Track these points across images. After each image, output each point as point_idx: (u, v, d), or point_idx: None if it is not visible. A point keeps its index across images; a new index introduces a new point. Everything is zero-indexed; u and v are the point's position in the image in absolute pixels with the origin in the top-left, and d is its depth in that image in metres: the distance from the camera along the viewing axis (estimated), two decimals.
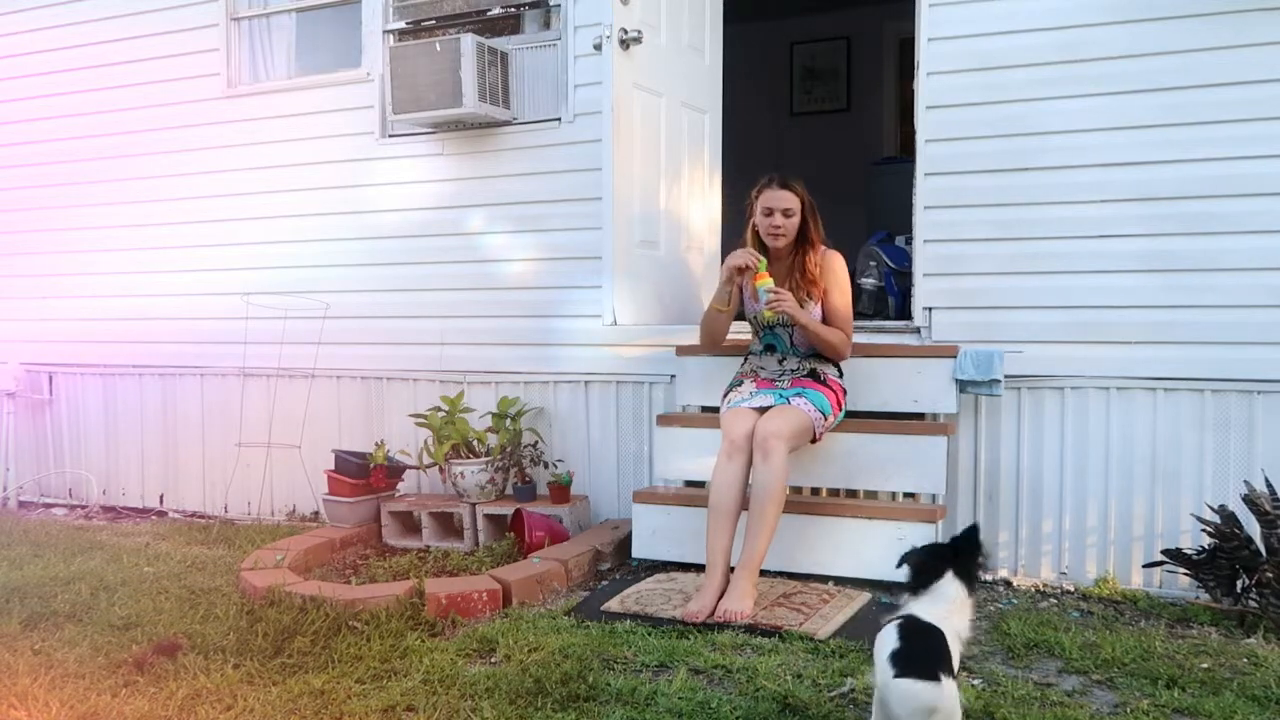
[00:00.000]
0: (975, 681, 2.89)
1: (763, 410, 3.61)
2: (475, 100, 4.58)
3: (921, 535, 3.63)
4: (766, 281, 3.60)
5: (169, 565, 4.29)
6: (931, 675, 2.14)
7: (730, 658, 3.02)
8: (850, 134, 7.40)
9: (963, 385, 3.89)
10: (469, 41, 4.56)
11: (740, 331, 4.00)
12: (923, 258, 4.10)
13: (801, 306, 3.67)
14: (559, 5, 4.73)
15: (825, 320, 3.75)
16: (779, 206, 3.69)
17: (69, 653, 3.18)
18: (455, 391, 4.76)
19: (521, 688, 2.79)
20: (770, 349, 3.86)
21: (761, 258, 3.68)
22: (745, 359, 3.95)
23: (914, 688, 2.13)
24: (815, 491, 4.02)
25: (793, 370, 3.78)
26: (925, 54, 4.06)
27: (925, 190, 4.08)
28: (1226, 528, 3.36)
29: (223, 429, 5.50)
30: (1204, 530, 3.44)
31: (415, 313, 5.06)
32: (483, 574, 3.80)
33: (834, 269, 3.77)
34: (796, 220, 3.72)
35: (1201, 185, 3.70)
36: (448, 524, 4.59)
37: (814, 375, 3.75)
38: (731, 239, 3.97)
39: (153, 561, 4.36)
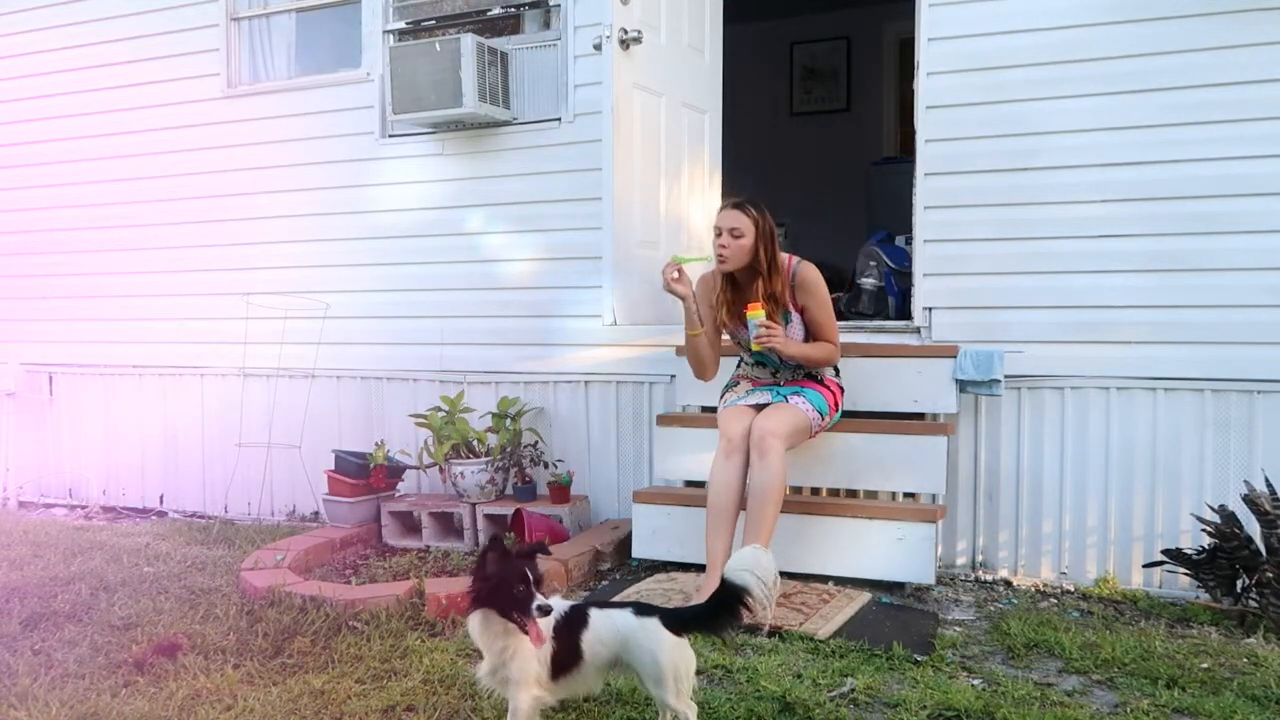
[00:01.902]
0: (975, 681, 2.89)
1: (760, 408, 3.61)
2: (475, 100, 4.58)
3: (921, 535, 3.64)
4: (758, 314, 3.54)
5: (169, 565, 4.29)
6: None
7: (730, 658, 3.02)
8: (850, 134, 7.41)
9: (963, 385, 3.89)
10: (469, 41, 4.56)
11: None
12: (923, 258, 4.10)
13: (785, 328, 3.61)
14: (559, 5, 4.73)
15: (809, 333, 3.68)
16: (726, 226, 3.58)
17: (69, 653, 3.18)
18: (455, 391, 4.76)
19: None
20: (761, 364, 3.83)
21: (677, 254, 3.75)
22: (739, 364, 3.93)
23: None
24: (815, 491, 4.02)
25: (788, 378, 3.77)
26: (925, 54, 4.06)
27: (925, 190, 4.08)
28: (1226, 528, 3.36)
29: (223, 429, 5.50)
30: (1204, 530, 3.44)
31: (415, 313, 5.06)
32: None
33: (807, 284, 3.64)
34: (747, 243, 3.57)
35: (1201, 185, 3.71)
36: (448, 524, 4.59)
37: (811, 375, 3.74)
38: None
39: (153, 561, 4.36)
